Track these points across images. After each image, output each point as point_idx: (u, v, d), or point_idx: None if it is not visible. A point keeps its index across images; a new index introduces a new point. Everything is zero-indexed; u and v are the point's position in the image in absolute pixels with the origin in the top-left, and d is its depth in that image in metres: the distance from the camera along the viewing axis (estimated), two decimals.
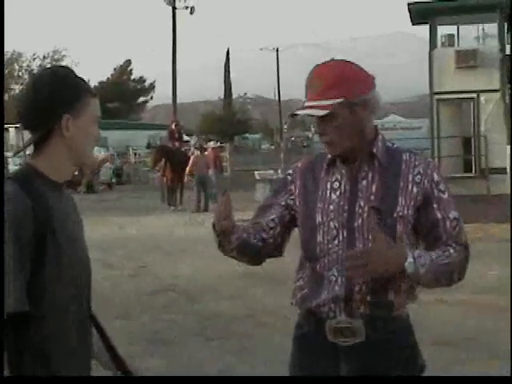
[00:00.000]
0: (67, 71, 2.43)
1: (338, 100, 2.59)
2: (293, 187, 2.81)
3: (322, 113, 2.60)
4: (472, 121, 22.54)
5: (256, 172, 23.44)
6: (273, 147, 57.07)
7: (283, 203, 2.82)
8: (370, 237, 2.58)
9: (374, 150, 2.68)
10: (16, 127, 43.77)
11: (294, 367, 2.82)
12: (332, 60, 2.75)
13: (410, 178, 2.65)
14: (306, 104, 2.65)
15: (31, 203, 2.23)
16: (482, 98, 22.13)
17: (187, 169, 20.90)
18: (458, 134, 23.16)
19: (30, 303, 2.22)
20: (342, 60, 2.73)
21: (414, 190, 2.65)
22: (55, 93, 2.32)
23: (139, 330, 7.54)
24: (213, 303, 8.80)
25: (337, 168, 2.72)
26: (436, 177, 2.68)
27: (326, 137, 2.65)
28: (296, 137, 52.37)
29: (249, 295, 8.91)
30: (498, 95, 21.38)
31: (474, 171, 22.38)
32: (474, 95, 22.14)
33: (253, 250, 2.82)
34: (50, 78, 2.36)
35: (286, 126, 41.06)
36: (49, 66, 3.19)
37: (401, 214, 2.62)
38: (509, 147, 20.07)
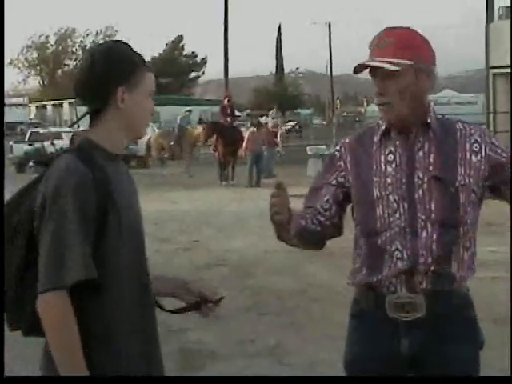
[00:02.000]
0: (123, 45, 2.47)
1: (408, 62, 2.56)
2: (342, 163, 2.76)
3: (392, 68, 2.55)
4: None
5: (308, 147, 23.36)
6: (324, 122, 56.88)
7: (334, 182, 2.77)
8: (433, 207, 2.56)
9: (429, 120, 2.64)
10: (70, 102, 44.32)
11: (352, 343, 2.79)
12: (401, 26, 2.69)
13: (468, 147, 2.62)
14: (376, 58, 2.60)
15: (92, 175, 2.27)
16: None
17: (244, 145, 20.95)
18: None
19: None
20: (411, 28, 2.69)
21: (473, 158, 2.61)
22: (110, 66, 2.36)
23: None
24: (265, 278, 8.81)
25: (390, 140, 2.67)
26: (495, 141, 2.68)
27: (386, 98, 2.61)
28: (348, 112, 52.06)
29: (301, 270, 8.89)
30: None
31: None
32: None
33: (313, 236, 2.80)
34: (105, 53, 2.40)
35: (338, 101, 40.80)
36: (101, 41, 3.24)
37: (462, 182, 2.59)
38: None
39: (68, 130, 28.99)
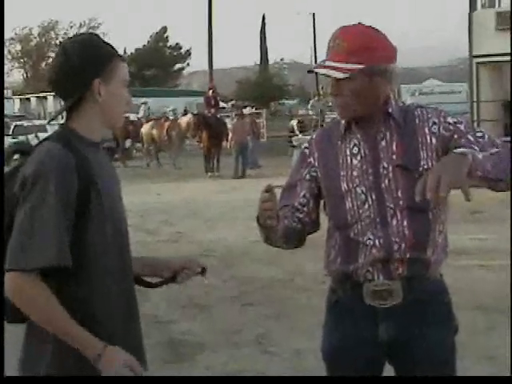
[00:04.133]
0: (95, 37, 2.50)
1: (359, 66, 2.57)
2: (312, 159, 2.80)
3: (340, 75, 2.58)
4: None
5: (293, 138, 23.36)
6: (310, 112, 56.81)
7: (308, 177, 2.80)
8: (400, 195, 2.59)
9: (390, 110, 2.67)
10: (54, 95, 44.03)
11: (330, 332, 2.82)
12: (359, 24, 2.70)
13: (427, 131, 2.65)
14: (326, 63, 2.63)
15: (74, 160, 2.29)
16: None
17: (230, 136, 20.97)
18: (498, 98, 22.79)
19: (74, 257, 2.25)
20: (369, 26, 2.69)
21: (433, 141, 2.64)
22: (85, 59, 2.37)
23: (177, 295, 7.58)
24: (250, 268, 8.84)
25: (353, 132, 2.71)
26: (449, 119, 2.67)
27: (341, 99, 2.64)
28: (332, 102, 51.96)
29: (286, 260, 8.91)
30: None
31: None
32: None
33: (294, 234, 2.81)
34: (78, 46, 2.42)
35: (322, 92, 40.73)
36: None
37: (426, 167, 2.61)
38: None
39: (53, 122, 28.86)
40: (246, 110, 26.10)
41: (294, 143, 22.40)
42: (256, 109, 39.06)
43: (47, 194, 2.22)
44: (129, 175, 20.23)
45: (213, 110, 22.79)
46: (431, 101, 33.66)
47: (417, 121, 2.67)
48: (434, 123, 2.66)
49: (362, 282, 2.67)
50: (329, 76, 2.62)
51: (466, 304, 6.42)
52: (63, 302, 2.24)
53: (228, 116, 28.86)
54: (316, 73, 2.75)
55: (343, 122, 2.72)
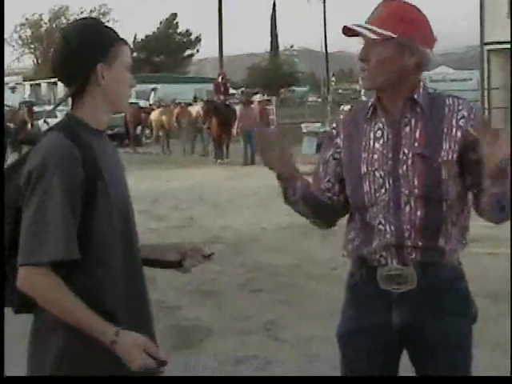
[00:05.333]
0: (96, 21, 2.50)
1: (391, 34, 2.55)
2: (338, 140, 2.78)
3: (371, 36, 2.56)
4: None
5: (303, 125, 23.32)
6: (320, 100, 56.66)
7: (331, 159, 2.79)
8: (416, 183, 2.56)
9: (416, 96, 2.63)
10: (48, 82, 44.22)
11: (346, 316, 2.80)
12: (404, 1, 2.67)
13: (454, 122, 2.61)
14: (363, 25, 2.61)
15: (78, 150, 2.28)
16: None
17: (236, 122, 20.93)
18: (510, 85, 22.65)
19: (81, 248, 2.25)
20: (413, 5, 2.66)
21: (458, 134, 2.60)
22: (87, 43, 2.36)
23: (186, 281, 7.57)
24: (260, 255, 8.82)
25: (378, 116, 2.68)
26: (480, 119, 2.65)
27: (366, 64, 2.62)
28: (343, 89, 51.91)
29: (296, 247, 8.91)
30: None
31: None
32: None
33: (321, 206, 2.79)
34: (79, 30, 2.40)
35: (333, 79, 40.66)
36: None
37: (445, 158, 2.58)
38: None
39: (62, 108, 28.87)
40: (257, 97, 25.99)
41: (304, 130, 22.35)
42: (266, 96, 38.98)
43: (53, 187, 2.22)
44: (139, 161, 20.24)
45: (222, 97, 22.72)
46: (442, 88, 33.53)
47: (446, 110, 2.63)
48: (463, 117, 2.61)
49: (376, 266, 2.65)
50: (361, 34, 2.59)
51: (477, 291, 6.39)
52: (73, 291, 2.25)
53: (238, 103, 28.81)
54: (349, 33, 2.64)
55: (370, 104, 2.70)
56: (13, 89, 48.65)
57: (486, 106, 22.23)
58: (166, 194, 14.26)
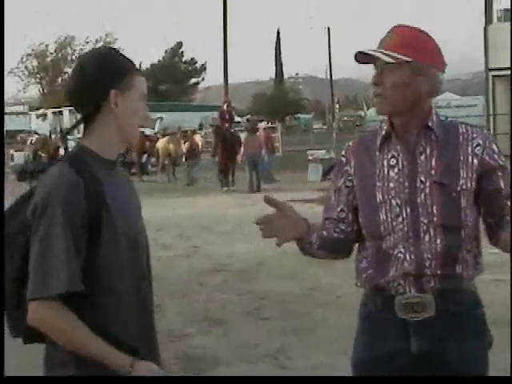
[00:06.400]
0: (111, 50, 2.51)
1: (406, 58, 2.57)
2: (348, 167, 2.77)
3: (387, 59, 2.57)
4: None
5: (308, 152, 23.36)
6: (325, 127, 56.81)
7: (343, 187, 2.78)
8: (435, 211, 2.56)
9: (430, 124, 2.64)
10: (70, 110, 44.17)
11: (361, 345, 2.78)
12: (415, 27, 2.70)
13: (470, 150, 2.61)
14: (377, 49, 2.63)
15: (82, 181, 2.27)
16: None
17: (241, 150, 21.00)
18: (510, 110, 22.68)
19: (88, 278, 2.25)
20: (423, 30, 2.69)
21: (475, 161, 2.61)
22: (101, 70, 2.36)
23: (193, 309, 7.58)
24: (267, 282, 8.80)
25: (392, 144, 2.67)
26: (495, 147, 2.65)
27: (380, 89, 2.62)
28: (348, 116, 52.02)
29: (303, 274, 8.88)
30: None
31: None
32: None
33: (338, 244, 2.80)
34: (95, 58, 2.42)
35: (337, 106, 40.78)
36: None
37: (464, 187, 2.59)
38: None
39: (68, 137, 28.95)
40: (262, 125, 26.11)
41: (310, 157, 22.40)
42: (271, 123, 39.09)
43: (55, 219, 2.22)
44: (145, 190, 20.28)
45: (227, 125, 22.82)
46: (448, 115, 33.54)
47: (460, 138, 2.63)
48: (479, 145, 2.62)
49: (393, 295, 2.64)
50: (376, 57, 2.60)
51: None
52: (84, 322, 2.25)
53: (243, 130, 28.95)
54: (362, 59, 2.67)
55: (383, 132, 2.69)
56: (43, 116, 48.62)
57: (492, 131, 22.24)
58: (172, 222, 14.26)
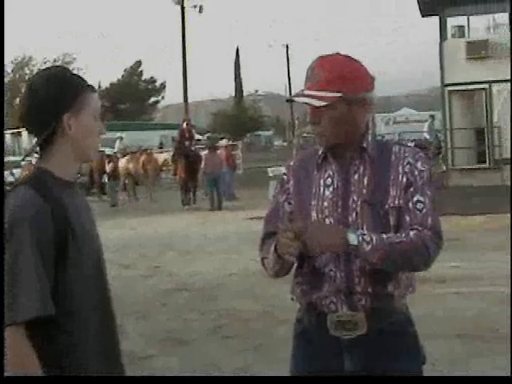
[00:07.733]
0: (63, 70, 2.47)
1: (337, 94, 2.59)
2: (288, 186, 2.81)
3: (319, 103, 2.59)
4: (484, 112, 22.43)
5: (269, 169, 23.40)
6: (285, 144, 57.01)
7: (286, 204, 2.80)
8: (365, 230, 2.57)
9: (364, 144, 2.68)
10: (12, 133, 44.05)
11: (296, 362, 2.81)
12: (337, 53, 2.72)
13: (401, 169, 2.66)
14: (305, 92, 2.65)
15: (49, 206, 2.25)
16: (494, 88, 22.03)
17: (201, 168, 20.97)
18: (471, 126, 23.02)
19: (55, 303, 2.23)
20: (346, 55, 2.71)
21: (404, 180, 2.64)
22: (53, 93, 2.33)
23: (155, 329, 7.52)
24: (228, 301, 8.77)
25: (329, 164, 2.72)
26: (420, 165, 2.67)
27: (320, 127, 2.65)
28: (308, 133, 52.24)
29: (264, 292, 8.88)
30: (510, 85, 21.17)
31: (487, 162, 22.27)
32: (486, 86, 22.07)
33: (285, 262, 2.78)
34: (46, 80, 2.37)
35: (297, 123, 40.93)
36: None
37: (392, 205, 2.62)
38: None
39: (21, 159, 28.76)
40: (223, 142, 26.11)
41: (270, 174, 22.44)
42: (232, 140, 39.13)
43: (23, 244, 2.19)
44: (104, 210, 20.14)
45: (188, 143, 22.77)
46: (405, 129, 33.96)
47: (393, 158, 2.67)
48: (409, 163, 2.66)
49: (326, 313, 2.66)
50: (308, 104, 2.63)
51: (445, 332, 6.42)
52: (49, 348, 2.23)
53: (203, 148, 28.94)
54: (293, 101, 2.74)
55: (320, 151, 2.72)
56: None
57: (449, 146, 22.52)
58: (133, 242, 14.18)
